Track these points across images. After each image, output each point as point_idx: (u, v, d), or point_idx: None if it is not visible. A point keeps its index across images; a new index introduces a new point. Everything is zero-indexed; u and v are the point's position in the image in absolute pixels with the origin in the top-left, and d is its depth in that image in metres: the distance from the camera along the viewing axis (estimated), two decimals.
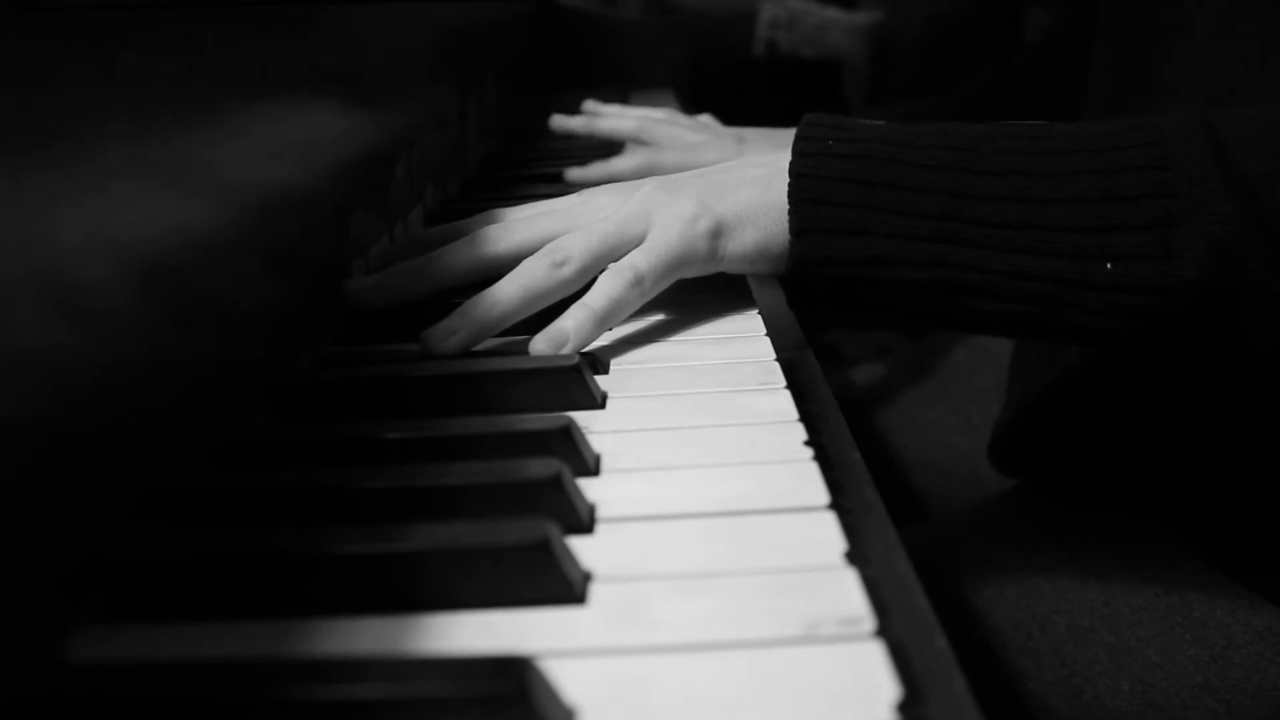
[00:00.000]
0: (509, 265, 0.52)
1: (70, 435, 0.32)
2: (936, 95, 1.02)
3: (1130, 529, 0.64)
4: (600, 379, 0.48)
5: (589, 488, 0.38)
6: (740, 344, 0.52)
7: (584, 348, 0.50)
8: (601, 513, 0.37)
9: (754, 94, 1.98)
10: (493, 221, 0.57)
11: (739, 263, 0.52)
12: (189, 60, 0.41)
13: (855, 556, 0.33)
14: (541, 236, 0.54)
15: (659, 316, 0.56)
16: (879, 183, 0.47)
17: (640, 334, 0.54)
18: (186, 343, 0.40)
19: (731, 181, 0.52)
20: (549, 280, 0.51)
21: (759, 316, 0.55)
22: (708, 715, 0.27)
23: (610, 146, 0.99)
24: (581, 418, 0.44)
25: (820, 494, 0.37)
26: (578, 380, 0.46)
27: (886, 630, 0.30)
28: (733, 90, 1.94)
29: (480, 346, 0.51)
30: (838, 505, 0.36)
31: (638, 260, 0.51)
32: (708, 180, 0.53)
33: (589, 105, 0.96)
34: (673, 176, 0.55)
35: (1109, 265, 0.45)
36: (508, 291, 0.50)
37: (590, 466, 0.40)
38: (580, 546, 0.35)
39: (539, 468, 0.36)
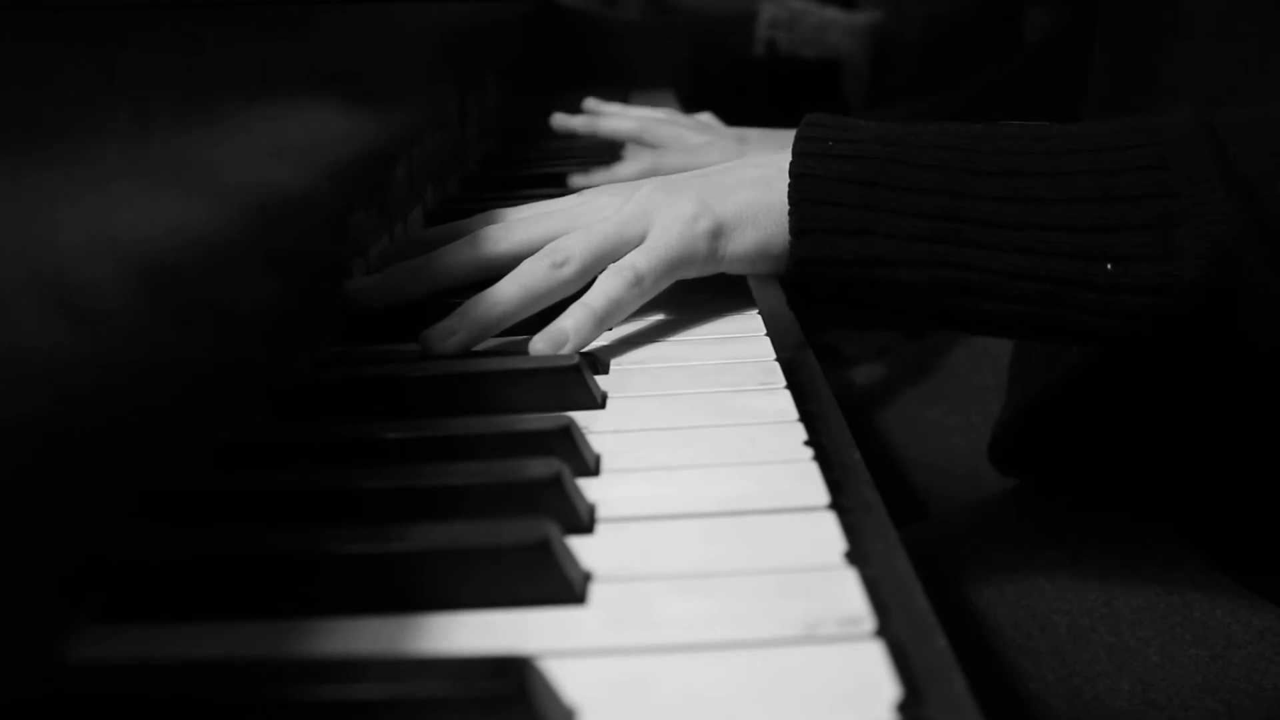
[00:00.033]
0: (509, 265, 0.52)
1: (70, 435, 0.32)
2: (936, 95, 1.02)
3: (1130, 529, 0.64)
4: (600, 379, 0.48)
5: (589, 488, 0.38)
6: (740, 344, 0.52)
7: (584, 347, 0.50)
8: (601, 513, 0.37)
9: (754, 94, 1.98)
10: (493, 221, 0.57)
11: (739, 263, 0.52)
12: (189, 60, 0.41)
13: (855, 556, 0.33)
14: (542, 237, 0.54)
15: (659, 316, 0.56)
16: (879, 183, 0.47)
17: (640, 334, 0.54)
18: (186, 343, 0.40)
19: (731, 182, 0.52)
20: (549, 280, 0.51)
21: (759, 316, 0.55)
22: (708, 715, 0.27)
23: (612, 146, 0.99)
24: (581, 418, 0.44)
25: (820, 494, 0.37)
26: (578, 380, 0.46)
27: (886, 630, 0.30)
28: (733, 90, 1.94)
29: (480, 346, 0.51)
30: (838, 505, 0.36)
31: (638, 260, 0.51)
32: (708, 180, 0.53)
33: (590, 104, 0.96)
34: (673, 177, 0.55)
35: (1109, 265, 0.45)
36: (508, 291, 0.50)
37: (590, 466, 0.40)
38: (580, 546, 0.35)
39: (539, 468, 0.36)
